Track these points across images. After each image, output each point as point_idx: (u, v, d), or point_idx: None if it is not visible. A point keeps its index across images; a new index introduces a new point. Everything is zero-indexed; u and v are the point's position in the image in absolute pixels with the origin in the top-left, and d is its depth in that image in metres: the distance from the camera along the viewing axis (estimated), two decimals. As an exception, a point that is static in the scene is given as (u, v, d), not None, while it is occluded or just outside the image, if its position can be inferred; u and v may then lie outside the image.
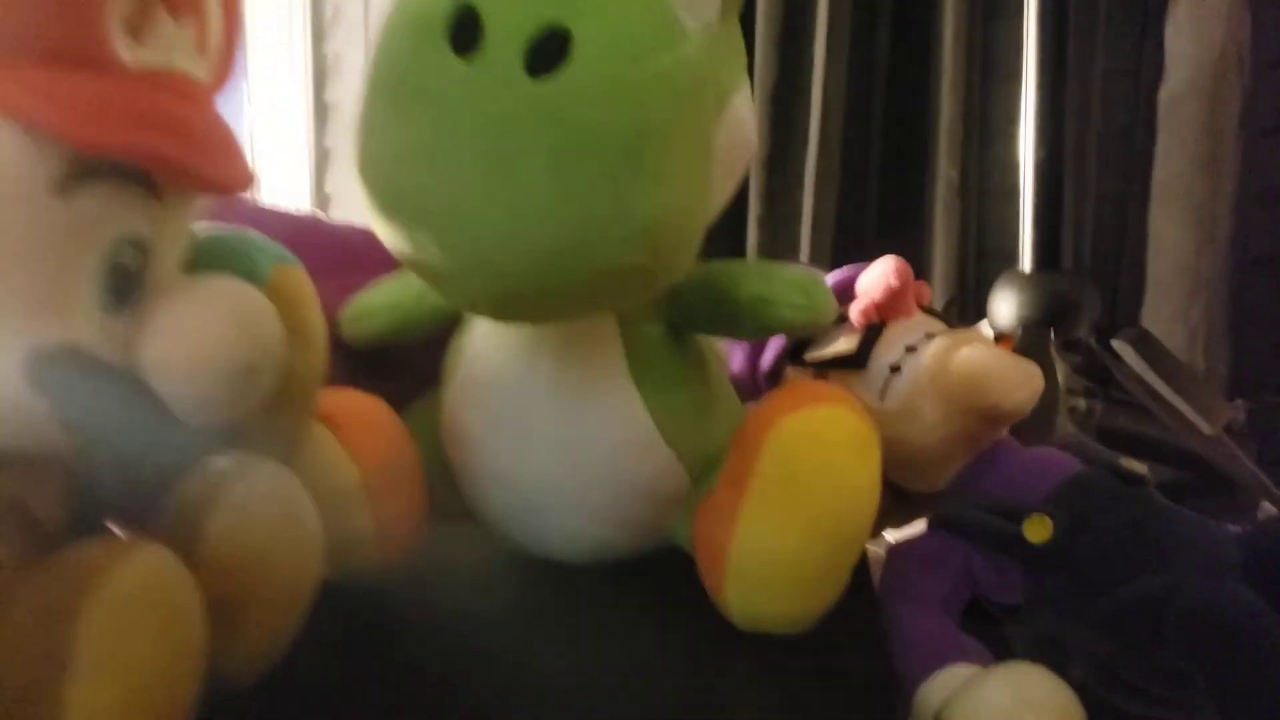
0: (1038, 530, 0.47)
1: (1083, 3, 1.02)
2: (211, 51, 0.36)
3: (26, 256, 0.30)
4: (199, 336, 0.32)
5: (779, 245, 1.19)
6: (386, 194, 0.34)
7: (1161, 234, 0.99)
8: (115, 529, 0.38)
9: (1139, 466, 0.49)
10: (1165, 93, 1.01)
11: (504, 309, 0.37)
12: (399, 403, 0.50)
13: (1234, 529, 0.47)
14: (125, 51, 0.31)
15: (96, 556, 0.30)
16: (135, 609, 0.30)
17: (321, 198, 1.78)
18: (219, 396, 0.33)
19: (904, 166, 1.17)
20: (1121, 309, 1.01)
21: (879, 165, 1.20)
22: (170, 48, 0.33)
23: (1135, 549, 0.45)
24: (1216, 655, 0.36)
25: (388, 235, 0.36)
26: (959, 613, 0.48)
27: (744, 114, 0.41)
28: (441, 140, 0.32)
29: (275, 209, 0.62)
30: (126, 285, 0.33)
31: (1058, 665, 0.41)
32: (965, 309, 1.04)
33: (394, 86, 0.33)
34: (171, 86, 0.33)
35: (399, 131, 0.33)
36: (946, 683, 0.41)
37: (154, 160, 0.31)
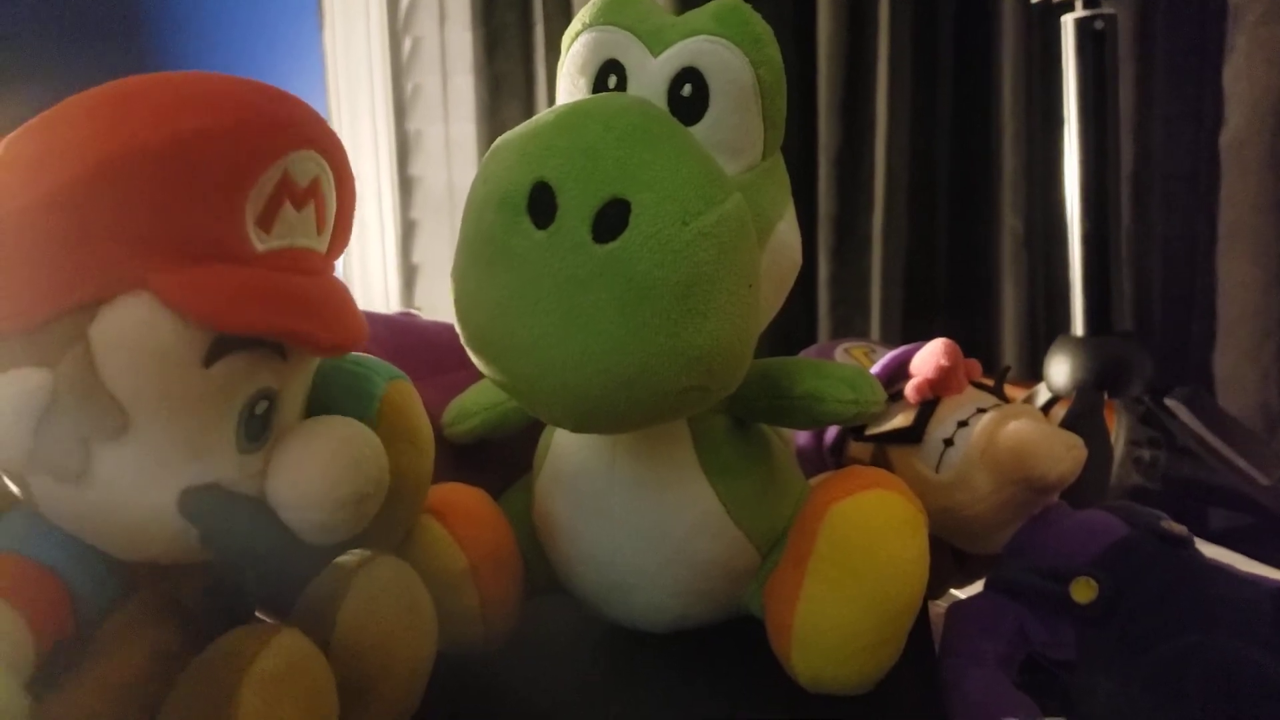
0: (1083, 592, 0.50)
1: (1138, 52, 1.04)
2: (329, 226, 0.41)
3: (181, 414, 0.36)
4: (318, 473, 0.38)
5: (850, 303, 1.23)
6: (482, 339, 0.41)
7: (1230, 277, 1.00)
8: (257, 616, 0.45)
9: (1179, 528, 0.52)
10: (1226, 136, 1.02)
11: (583, 425, 0.43)
12: (495, 490, 0.56)
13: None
14: (258, 243, 0.37)
15: (246, 642, 0.36)
16: (283, 686, 0.35)
17: (408, 267, 1.87)
18: (335, 522, 0.39)
19: (970, 220, 1.20)
20: (1192, 353, 1.02)
21: (945, 220, 1.23)
22: (293, 232, 0.39)
23: (1174, 608, 0.48)
24: (1228, 713, 0.40)
25: (485, 369, 0.42)
26: (1015, 669, 0.52)
27: (788, 238, 0.46)
28: (526, 296, 0.38)
29: (374, 314, 0.69)
30: (259, 429, 0.39)
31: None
32: (1036, 357, 1.06)
33: (484, 251, 0.40)
34: (294, 264, 0.38)
35: (489, 289, 0.39)
36: (997, 737, 0.45)
37: (283, 336, 0.37)
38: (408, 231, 1.84)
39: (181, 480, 0.36)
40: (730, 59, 0.44)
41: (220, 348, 0.35)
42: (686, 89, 0.44)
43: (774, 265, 0.45)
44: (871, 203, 1.24)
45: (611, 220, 0.37)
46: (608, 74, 0.46)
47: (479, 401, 0.59)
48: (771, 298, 0.46)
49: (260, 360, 0.37)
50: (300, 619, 0.39)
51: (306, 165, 0.38)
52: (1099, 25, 0.82)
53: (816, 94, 1.25)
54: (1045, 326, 1.17)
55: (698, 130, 0.43)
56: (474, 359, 0.43)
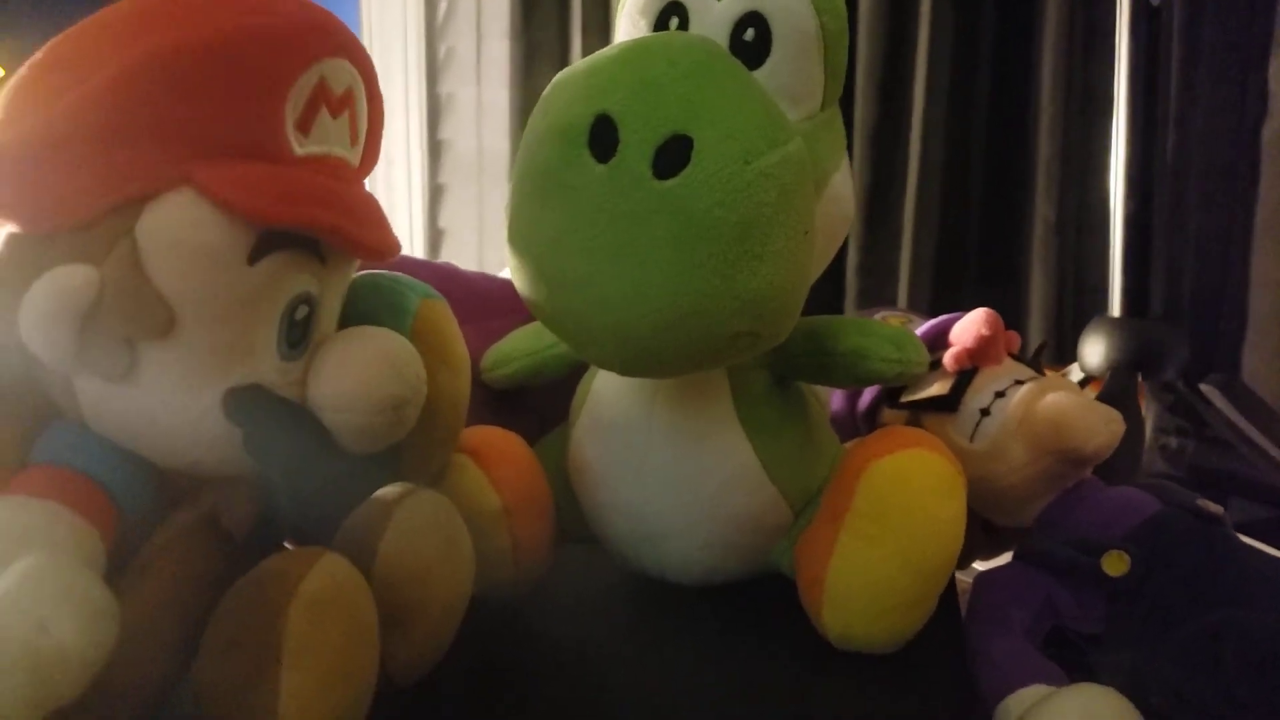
0: (1116, 565, 0.50)
1: (1184, 40, 1.03)
2: (361, 141, 0.42)
3: (226, 314, 0.36)
4: (359, 375, 0.38)
5: (878, 285, 1.22)
6: (533, 275, 0.41)
7: (1262, 271, 0.99)
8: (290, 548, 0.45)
9: (1215, 507, 0.52)
10: (1269, 131, 1.01)
11: (630, 366, 0.43)
12: (528, 439, 0.56)
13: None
14: (296, 145, 0.37)
15: (292, 563, 0.36)
16: (328, 608, 0.35)
17: (434, 231, 1.87)
18: (374, 425, 0.39)
19: (1002, 206, 1.19)
20: (1222, 346, 1.02)
21: (978, 205, 1.22)
22: (329, 139, 0.39)
23: (1209, 584, 0.48)
24: (1270, 684, 0.39)
25: (535, 305, 0.42)
26: (1041, 640, 0.52)
27: (843, 191, 0.46)
28: (582, 230, 0.38)
29: (416, 260, 0.69)
30: (299, 336, 0.39)
31: (1136, 693, 0.44)
32: (1062, 347, 1.06)
33: (541, 185, 0.39)
34: (330, 170, 0.39)
35: (546, 222, 0.39)
36: (1024, 700, 0.45)
37: (323, 230, 0.37)
38: (435, 195, 1.83)
39: (226, 381, 0.37)
40: (795, 5, 0.43)
41: (265, 244, 0.35)
42: (749, 33, 0.44)
43: (827, 217, 0.45)
44: (904, 183, 1.23)
45: (673, 156, 0.37)
46: (669, 16, 0.46)
47: (518, 348, 0.59)
48: (823, 249, 0.46)
49: (301, 262, 0.38)
50: (341, 548, 0.39)
51: (341, 74, 0.39)
52: (1155, 1, 0.81)
53: (855, 72, 1.24)
54: (1072, 315, 1.17)
55: (758, 76, 0.43)
56: (524, 296, 0.43)
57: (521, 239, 0.41)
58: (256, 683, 0.34)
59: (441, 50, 1.80)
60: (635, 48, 0.39)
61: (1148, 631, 0.49)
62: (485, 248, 1.77)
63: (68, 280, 0.33)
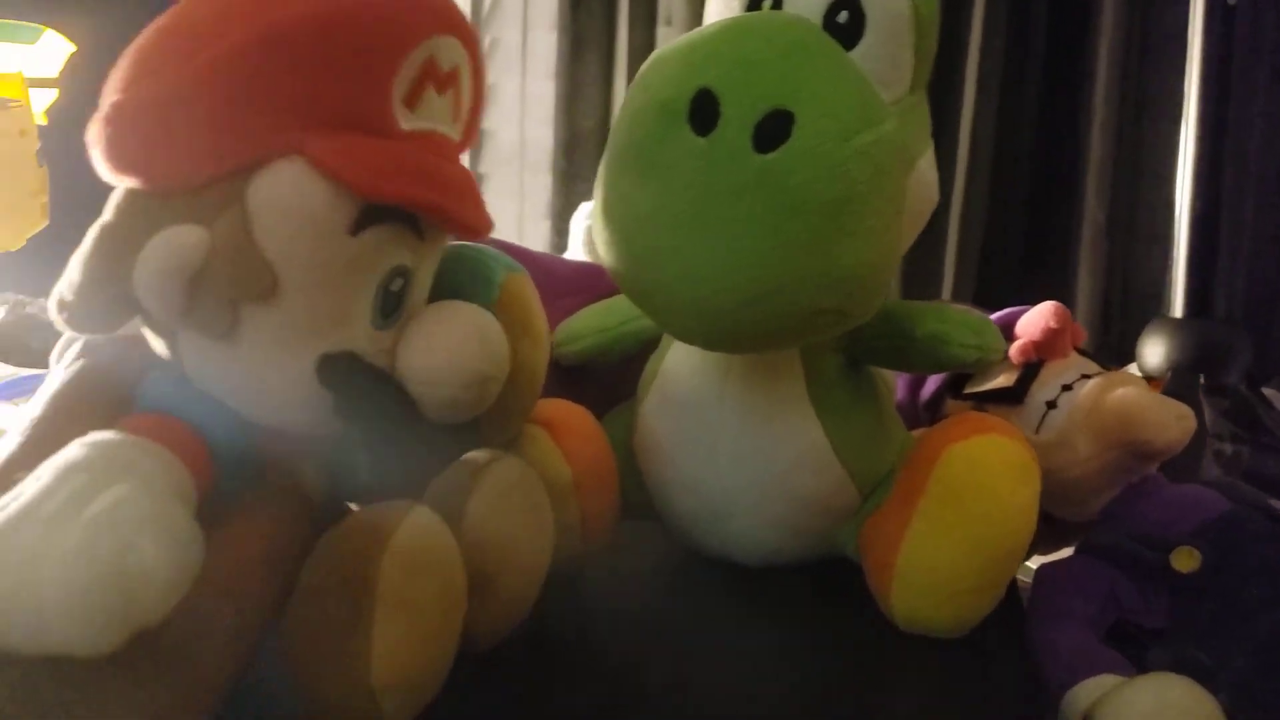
0: (1185, 561, 0.50)
1: (1246, 47, 1.02)
2: (463, 118, 0.42)
3: (326, 281, 0.37)
4: (448, 351, 0.39)
5: (922, 283, 1.22)
6: (624, 246, 0.41)
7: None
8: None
9: (1287, 507, 0.52)
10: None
11: (714, 341, 0.43)
12: (594, 414, 0.57)
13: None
14: (403, 121, 0.38)
15: (386, 515, 0.37)
16: (419, 560, 0.36)
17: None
18: (459, 399, 0.39)
19: (1050, 207, 1.19)
20: (1273, 354, 1.01)
21: (1025, 205, 1.22)
22: (434, 116, 0.39)
23: (1278, 582, 0.48)
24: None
25: (622, 278, 0.42)
26: (1103, 633, 0.52)
27: (928, 175, 0.46)
28: (676, 203, 0.38)
29: (494, 240, 0.70)
30: (393, 307, 0.39)
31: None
32: (1108, 350, 1.05)
33: (638, 158, 0.40)
34: (434, 146, 0.39)
35: (640, 196, 0.40)
36: (1093, 690, 0.45)
37: (424, 208, 0.38)
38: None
39: (320, 346, 0.37)
40: (888, -12, 0.44)
41: (367, 217, 0.36)
42: (843, 16, 0.44)
43: (913, 200, 0.45)
44: (952, 182, 1.23)
45: (771, 131, 0.37)
46: (762, -4, 0.46)
47: (589, 325, 0.59)
48: (908, 232, 0.46)
49: (400, 236, 0.38)
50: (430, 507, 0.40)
51: (450, 52, 0.39)
52: (1231, 1, 0.81)
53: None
54: (1120, 319, 1.16)
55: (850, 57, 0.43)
56: (610, 269, 0.43)
57: (614, 212, 0.41)
58: (350, 630, 0.34)
59: (486, 41, 1.82)
60: (735, 25, 0.40)
61: (1216, 628, 0.49)
62: (526, 236, 1.78)
63: (180, 240, 0.34)
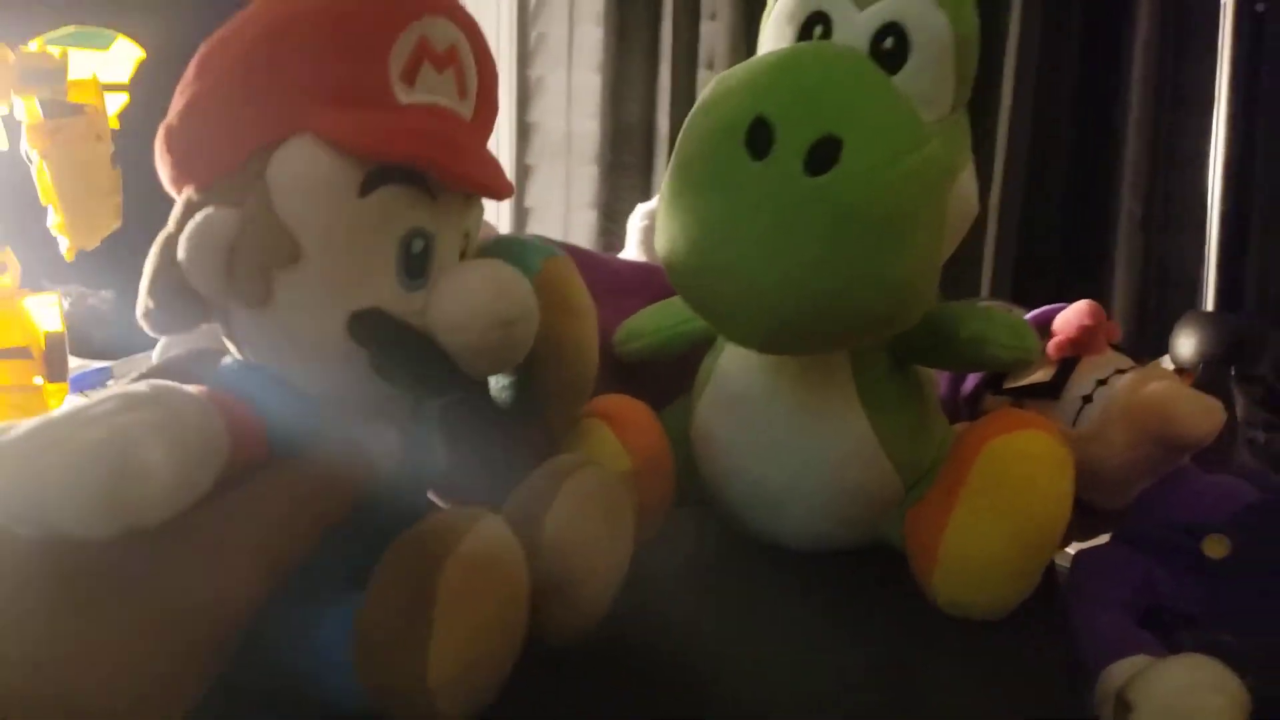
0: (1216, 548, 0.53)
1: (1272, 43, 1.03)
2: (470, 95, 0.45)
3: (343, 243, 0.40)
4: (466, 298, 0.41)
5: (961, 279, 1.24)
6: (686, 257, 0.45)
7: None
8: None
9: (1315, 496, 0.54)
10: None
11: (770, 345, 0.47)
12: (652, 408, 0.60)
13: None
14: (401, 94, 0.41)
15: (456, 520, 0.38)
16: (482, 570, 0.38)
17: (521, 211, 1.92)
18: (486, 344, 0.41)
19: (1087, 201, 1.20)
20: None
21: (1061, 197, 1.23)
22: (435, 91, 0.42)
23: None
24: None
25: (683, 287, 0.46)
26: (1139, 617, 0.55)
27: (969, 188, 0.50)
28: (738, 220, 0.42)
29: (568, 245, 0.73)
30: (417, 266, 0.41)
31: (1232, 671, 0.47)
32: (1145, 340, 1.07)
33: (700, 176, 0.43)
34: (438, 116, 0.42)
35: (702, 211, 0.43)
36: (1127, 668, 0.48)
37: (420, 161, 0.40)
38: (522, 176, 1.89)
39: (349, 305, 0.40)
40: (931, 16, 0.47)
41: (374, 179, 0.39)
42: (889, 41, 0.47)
43: (954, 213, 0.48)
44: (990, 177, 1.25)
45: (824, 154, 0.40)
46: (814, 24, 0.49)
47: (648, 324, 0.63)
48: (949, 242, 0.50)
49: (411, 196, 0.41)
50: (510, 516, 0.42)
51: (442, 32, 0.42)
52: (1260, 8, 0.83)
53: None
54: (1156, 311, 1.18)
55: (896, 81, 0.46)
56: (671, 276, 0.47)
57: (676, 224, 0.45)
58: (410, 629, 0.36)
59: (533, 36, 1.85)
60: (791, 56, 0.43)
61: (1249, 613, 0.51)
62: (570, 227, 1.82)
63: (209, 219, 0.39)
